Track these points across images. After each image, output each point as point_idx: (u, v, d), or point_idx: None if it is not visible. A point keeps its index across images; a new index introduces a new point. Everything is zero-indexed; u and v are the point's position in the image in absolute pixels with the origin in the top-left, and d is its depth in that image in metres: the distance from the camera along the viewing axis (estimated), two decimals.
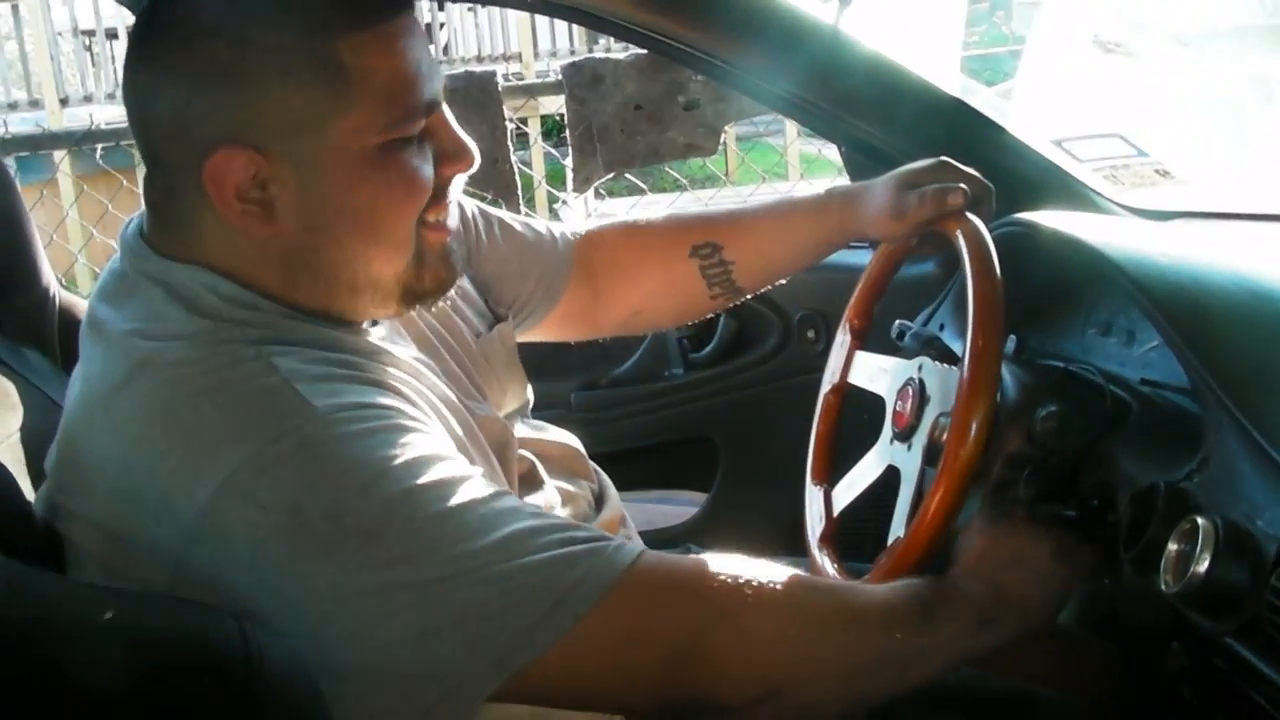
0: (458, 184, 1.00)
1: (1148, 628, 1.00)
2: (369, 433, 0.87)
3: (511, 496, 0.91)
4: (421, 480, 0.86)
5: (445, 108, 0.97)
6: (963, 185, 1.21)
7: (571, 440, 1.30)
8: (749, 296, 1.44)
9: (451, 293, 1.17)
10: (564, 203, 4.61)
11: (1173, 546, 0.93)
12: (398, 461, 0.86)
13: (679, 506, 1.97)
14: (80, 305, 1.38)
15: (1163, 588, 0.93)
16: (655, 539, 1.70)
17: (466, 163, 0.98)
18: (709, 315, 1.50)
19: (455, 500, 0.86)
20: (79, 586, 0.78)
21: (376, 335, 1.02)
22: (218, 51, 0.87)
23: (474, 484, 0.88)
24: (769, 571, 0.93)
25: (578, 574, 0.85)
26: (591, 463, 1.30)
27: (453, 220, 1.01)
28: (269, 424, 0.85)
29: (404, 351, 1.04)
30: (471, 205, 1.32)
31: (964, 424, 1.04)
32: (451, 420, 1.01)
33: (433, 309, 1.10)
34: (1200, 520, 0.90)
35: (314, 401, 0.87)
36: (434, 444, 0.91)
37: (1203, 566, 0.88)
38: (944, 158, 1.28)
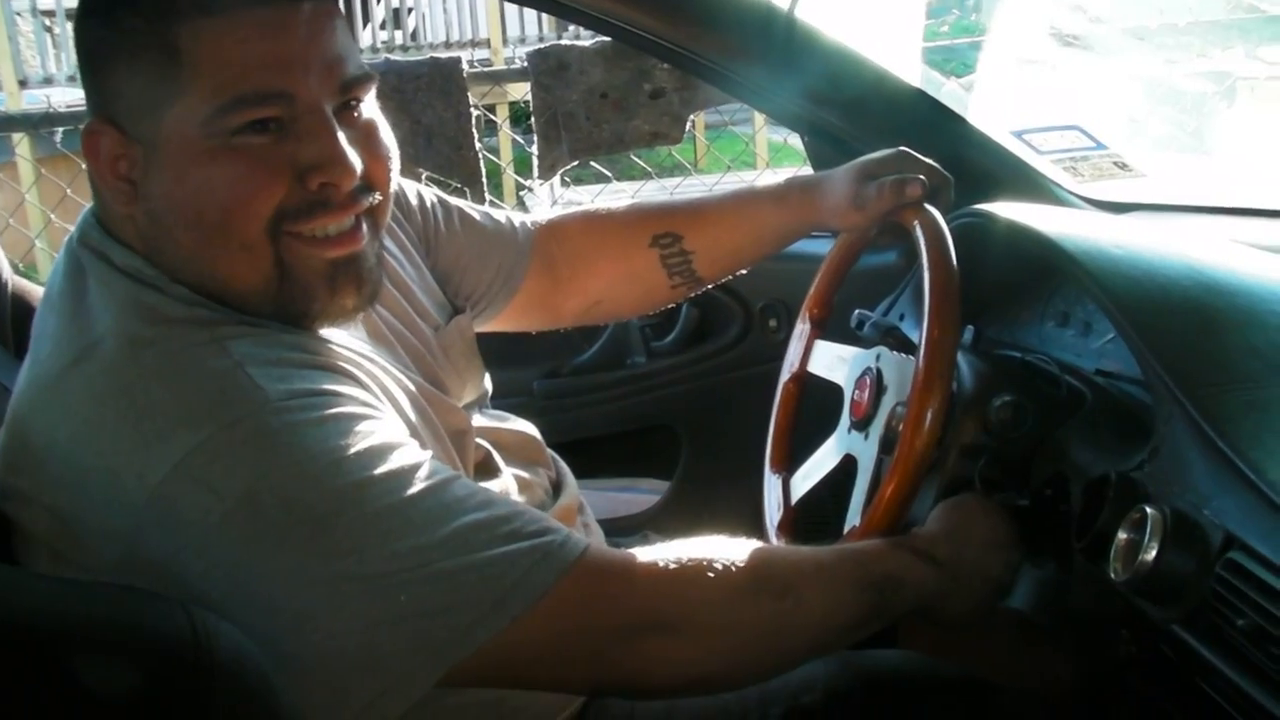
0: (353, 198, 0.94)
1: (1098, 616, 1.01)
2: (322, 420, 0.87)
3: (463, 482, 0.91)
4: (374, 471, 0.86)
5: (329, 115, 0.91)
6: (921, 176, 1.22)
7: (529, 429, 1.30)
8: (710, 286, 1.44)
9: (410, 285, 1.17)
10: (530, 190, 4.60)
11: (1122, 535, 0.95)
12: (351, 451, 0.86)
13: (640, 495, 1.97)
14: (35, 292, 1.36)
15: (1112, 576, 0.94)
16: (616, 527, 1.70)
17: (333, 175, 0.91)
18: (670, 305, 1.50)
19: (406, 492, 0.86)
20: (22, 574, 0.77)
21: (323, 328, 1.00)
22: (96, 30, 0.91)
23: (425, 474, 0.88)
24: (717, 562, 0.93)
25: (517, 575, 0.85)
26: (550, 451, 1.30)
27: (343, 240, 0.95)
28: (223, 408, 0.85)
29: (355, 341, 1.03)
30: (431, 195, 1.31)
31: (919, 414, 1.04)
32: (406, 406, 1.01)
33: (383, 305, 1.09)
34: (1149, 509, 0.91)
35: (267, 387, 0.86)
36: (387, 432, 0.90)
37: (1151, 555, 0.90)
38: (903, 148, 1.29)
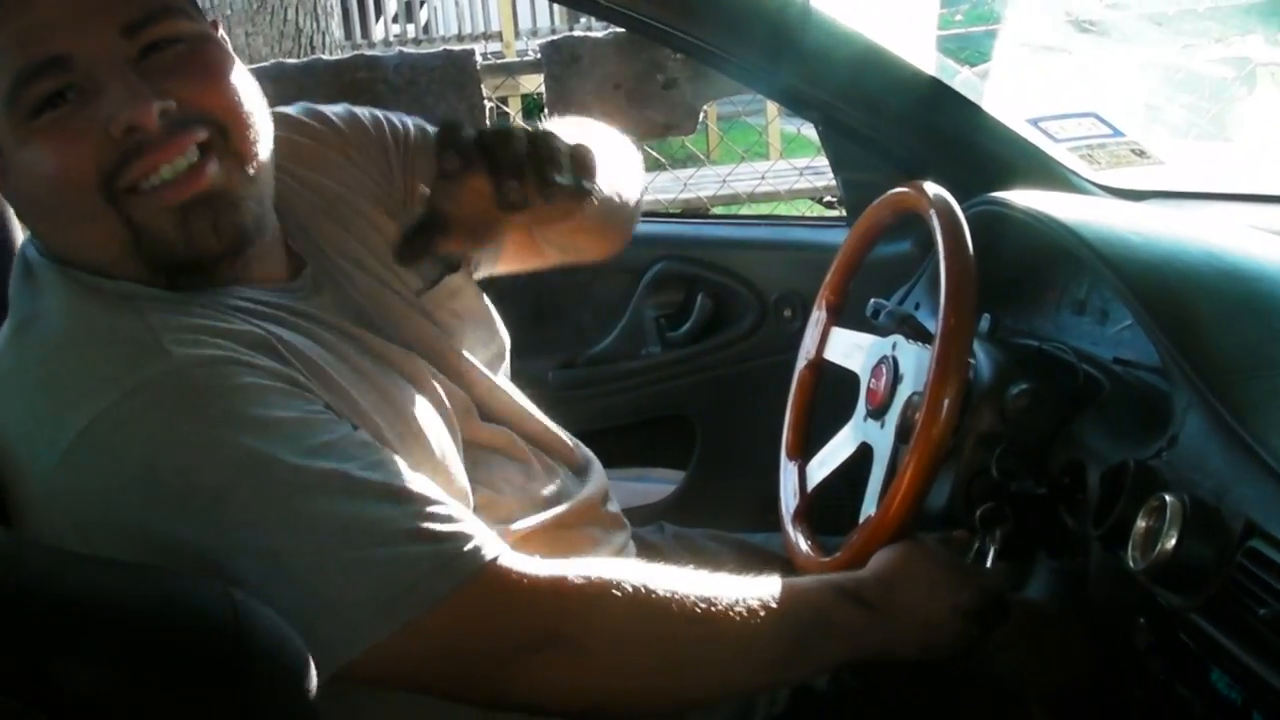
0: (173, 140, 0.90)
1: (1115, 604, 1.01)
2: (229, 390, 0.86)
3: (382, 469, 0.88)
4: (276, 446, 0.84)
5: (116, 63, 0.88)
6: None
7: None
8: None
9: (374, 235, 1.10)
10: None
11: (1141, 523, 0.94)
12: (255, 422, 0.85)
13: (655, 485, 1.97)
14: None
15: (1131, 564, 0.93)
16: (631, 517, 1.70)
17: (129, 117, 0.87)
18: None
19: (310, 469, 0.84)
20: (68, 555, 0.78)
21: (271, 295, 0.98)
22: None
23: (335, 455, 0.86)
24: (627, 583, 0.91)
25: (414, 578, 0.84)
26: (575, 440, 1.26)
27: (183, 181, 0.91)
28: (129, 374, 0.85)
29: (288, 313, 0.98)
30: (405, 124, 1.21)
31: (935, 403, 1.04)
32: (346, 379, 0.96)
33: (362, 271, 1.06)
34: (1168, 498, 0.91)
35: (175, 352, 0.86)
36: (298, 406, 0.88)
37: (1170, 543, 0.89)
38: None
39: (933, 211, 1.16)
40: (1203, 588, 0.89)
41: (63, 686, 0.61)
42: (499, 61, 3.82)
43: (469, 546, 0.87)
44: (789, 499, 1.31)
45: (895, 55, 1.56)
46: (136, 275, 0.93)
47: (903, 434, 1.14)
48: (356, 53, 3.21)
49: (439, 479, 0.96)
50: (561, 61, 2.81)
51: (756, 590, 0.97)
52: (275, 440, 0.85)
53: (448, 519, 0.88)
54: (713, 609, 0.93)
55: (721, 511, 1.75)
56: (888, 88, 1.57)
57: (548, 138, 0.92)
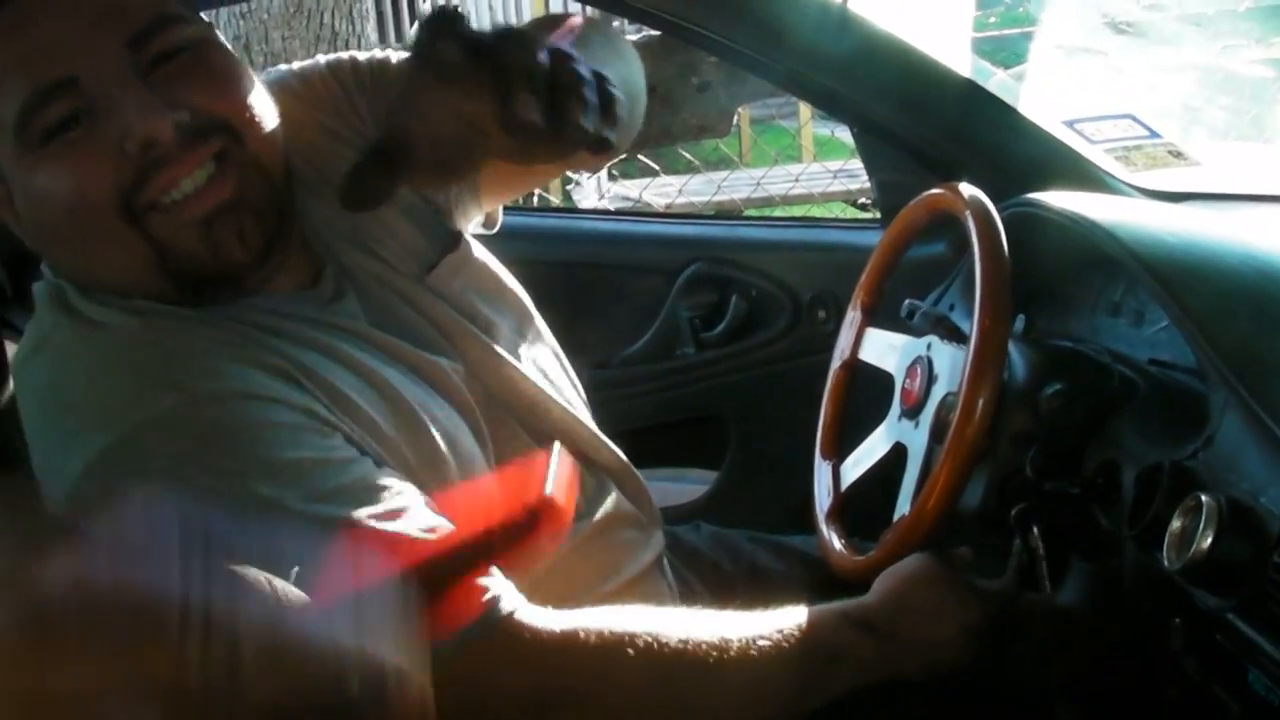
0: (184, 150, 0.87)
1: (1150, 605, 1.01)
2: (239, 429, 0.84)
3: (394, 514, 0.84)
4: (286, 490, 0.82)
5: (124, 78, 0.85)
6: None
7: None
8: None
9: (363, 224, 1.03)
10: (577, 183, 4.62)
11: (1176, 524, 0.94)
12: (265, 465, 0.82)
13: (690, 485, 1.98)
14: None
15: (1166, 565, 0.94)
16: (666, 516, 1.72)
17: (143, 131, 0.85)
18: None
19: (319, 514, 0.82)
20: None
21: (281, 301, 0.95)
22: None
23: (348, 498, 0.84)
24: (640, 637, 0.89)
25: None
26: (615, 447, 1.22)
27: (205, 193, 0.88)
28: (137, 409, 0.83)
29: (310, 325, 0.95)
30: (373, 60, 1.10)
31: (970, 403, 1.05)
32: (369, 408, 0.92)
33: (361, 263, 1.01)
34: (1204, 498, 0.91)
35: (186, 385, 0.84)
36: (316, 444, 0.86)
37: (1206, 543, 0.89)
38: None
39: (968, 213, 1.16)
40: (1239, 588, 0.89)
41: None
42: None
43: (483, 599, 0.85)
44: (823, 498, 1.32)
45: (931, 58, 1.57)
46: (160, 293, 0.91)
47: (937, 434, 1.14)
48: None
49: (465, 496, 0.93)
50: None
51: (768, 628, 0.95)
52: (285, 485, 0.82)
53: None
54: (725, 656, 0.92)
55: (756, 511, 1.76)
56: (923, 90, 1.57)
57: (568, 60, 0.73)
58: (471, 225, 1.17)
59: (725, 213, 4.09)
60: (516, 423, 1.08)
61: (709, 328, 1.96)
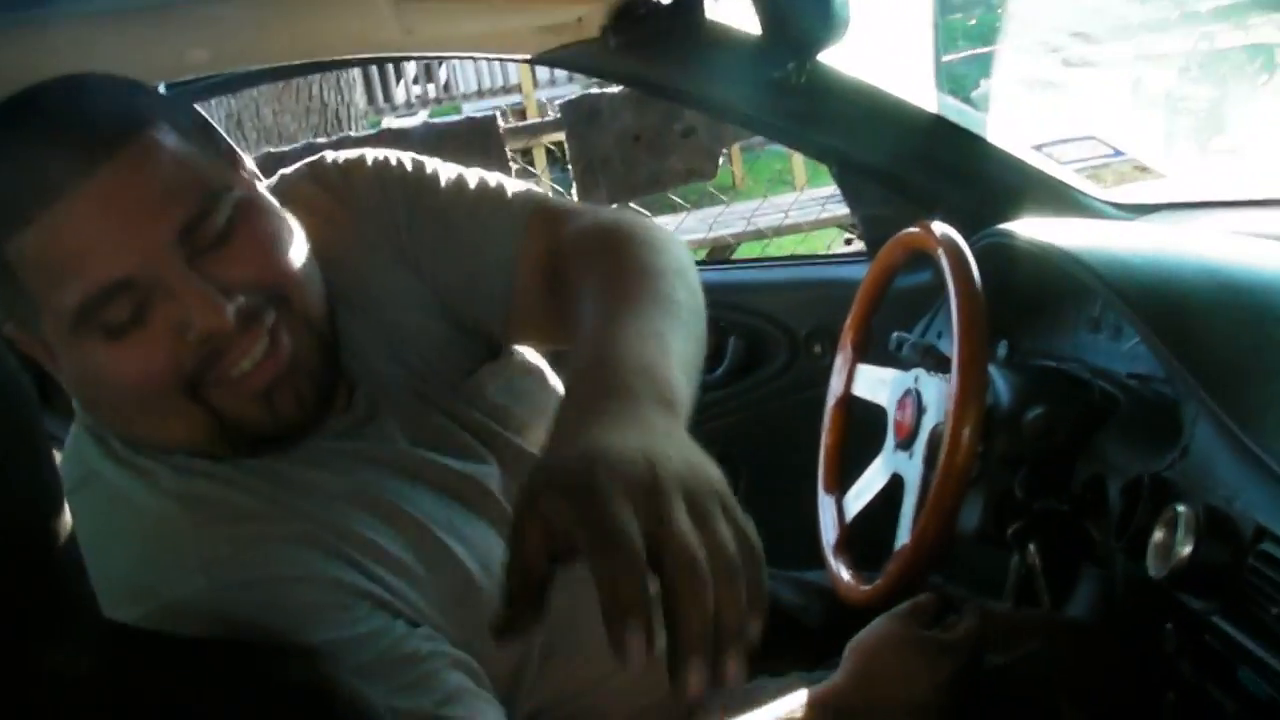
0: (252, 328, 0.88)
1: (1143, 611, 1.05)
2: (264, 617, 0.86)
3: (415, 687, 0.87)
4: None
5: (176, 269, 0.85)
6: None
7: None
8: None
9: (403, 350, 1.05)
10: None
11: (1158, 534, 0.99)
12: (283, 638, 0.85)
13: None
14: None
15: (1152, 573, 0.98)
16: None
17: (201, 327, 0.86)
18: None
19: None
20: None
21: (309, 451, 0.95)
22: None
23: (370, 675, 0.85)
24: None
25: None
26: None
27: (264, 366, 0.90)
28: (165, 590, 0.85)
29: (339, 470, 0.96)
30: (403, 186, 1.08)
31: (956, 432, 1.10)
32: (399, 551, 0.94)
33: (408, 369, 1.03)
34: (1180, 508, 0.96)
35: (213, 575, 0.86)
36: (339, 621, 0.88)
37: (1186, 550, 0.94)
38: None
39: (940, 250, 1.22)
40: (1221, 591, 0.93)
41: None
42: (521, 124, 3.91)
43: None
44: (829, 531, 1.37)
45: (899, 99, 1.63)
46: (210, 452, 0.92)
47: (930, 463, 1.19)
48: (384, 126, 3.32)
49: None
50: (581, 118, 2.90)
51: None
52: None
53: (462, 698, 0.88)
54: None
55: (770, 546, 1.80)
56: (895, 130, 1.63)
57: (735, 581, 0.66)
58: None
59: (719, 249, 4.15)
60: None
61: (710, 370, 2.01)
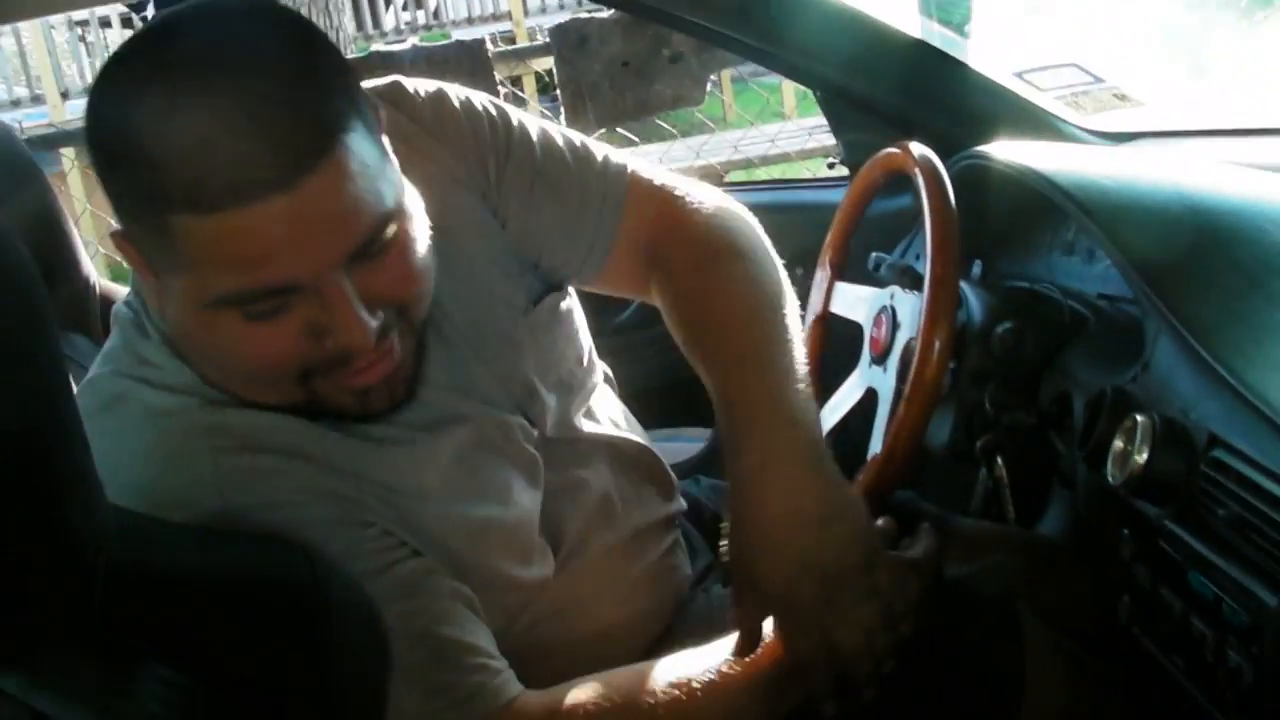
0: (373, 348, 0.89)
1: (1101, 518, 1.10)
2: (278, 527, 0.88)
3: (414, 614, 0.92)
4: None
5: (340, 280, 0.86)
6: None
7: (641, 437, 1.28)
8: None
9: (476, 258, 1.07)
10: None
11: (1118, 443, 1.03)
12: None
13: (687, 443, 2.06)
14: (119, 292, 1.48)
15: (1111, 480, 1.03)
16: None
17: (346, 341, 0.88)
18: None
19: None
20: (174, 528, 0.84)
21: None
22: (101, 171, 0.85)
23: (379, 589, 0.88)
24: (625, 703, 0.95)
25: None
26: (666, 465, 1.29)
27: (375, 370, 0.92)
28: (176, 510, 0.85)
29: (382, 448, 0.98)
30: (508, 131, 1.11)
31: (928, 346, 1.13)
32: (419, 506, 0.98)
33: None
34: (1139, 417, 1.00)
35: (227, 498, 0.89)
36: (346, 537, 0.92)
37: (1142, 458, 0.98)
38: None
39: (918, 170, 1.24)
40: (1174, 497, 0.98)
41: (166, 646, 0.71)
42: (510, 48, 3.90)
43: (490, 687, 0.92)
44: None
45: (883, 23, 1.64)
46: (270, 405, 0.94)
47: (903, 377, 1.22)
48: (373, 50, 3.31)
49: (510, 560, 1.03)
50: (570, 44, 2.89)
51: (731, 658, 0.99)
52: None
53: (474, 669, 0.93)
54: (707, 691, 0.97)
55: None
56: (878, 55, 1.65)
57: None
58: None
59: (706, 178, 4.15)
60: (568, 456, 1.14)
61: None
